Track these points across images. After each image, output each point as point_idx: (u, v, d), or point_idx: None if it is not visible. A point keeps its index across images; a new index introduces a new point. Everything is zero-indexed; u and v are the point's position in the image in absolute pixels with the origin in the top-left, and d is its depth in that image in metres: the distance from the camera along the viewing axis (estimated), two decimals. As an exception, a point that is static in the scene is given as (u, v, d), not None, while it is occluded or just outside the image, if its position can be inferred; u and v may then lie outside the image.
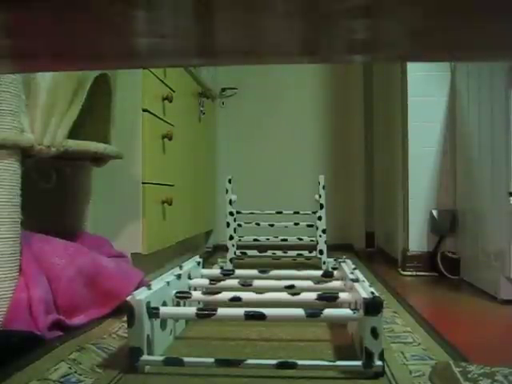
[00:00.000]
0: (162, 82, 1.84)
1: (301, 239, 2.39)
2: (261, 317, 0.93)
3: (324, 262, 2.14)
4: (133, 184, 1.64)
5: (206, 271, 1.40)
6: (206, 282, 1.25)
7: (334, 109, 3.09)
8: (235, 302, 1.03)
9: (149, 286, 0.99)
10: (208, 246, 2.95)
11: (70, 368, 0.91)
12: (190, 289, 1.22)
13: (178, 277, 1.15)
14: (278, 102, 3.08)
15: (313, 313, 0.93)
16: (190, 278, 1.26)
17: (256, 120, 3.09)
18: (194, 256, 1.42)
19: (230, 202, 2.18)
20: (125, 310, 0.90)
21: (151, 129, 1.73)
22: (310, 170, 2.99)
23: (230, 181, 2.20)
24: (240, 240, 2.24)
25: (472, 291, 1.71)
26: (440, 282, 1.95)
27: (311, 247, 2.27)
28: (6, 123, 1.06)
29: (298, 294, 1.05)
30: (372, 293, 0.92)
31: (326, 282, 1.22)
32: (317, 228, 2.21)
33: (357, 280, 1.06)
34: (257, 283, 1.20)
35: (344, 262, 1.30)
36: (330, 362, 0.93)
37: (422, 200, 2.11)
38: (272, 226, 2.24)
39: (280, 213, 2.27)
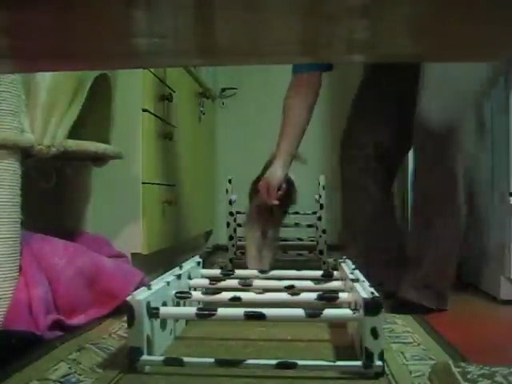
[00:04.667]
0: (162, 82, 1.84)
1: (301, 239, 2.38)
2: (261, 317, 0.93)
3: (324, 262, 2.14)
4: (132, 184, 1.64)
5: (205, 271, 1.40)
6: (206, 282, 1.25)
7: (335, 109, 3.09)
8: (235, 301, 1.03)
9: (149, 286, 0.99)
10: (208, 246, 2.95)
11: (69, 368, 0.91)
12: (190, 289, 1.22)
13: (178, 277, 1.15)
14: (278, 102, 3.07)
15: (313, 313, 0.93)
16: (190, 278, 1.26)
17: (256, 120, 3.09)
18: (194, 256, 1.42)
19: (230, 202, 2.18)
20: (125, 310, 0.90)
21: (151, 129, 1.73)
22: (310, 169, 2.99)
23: (230, 181, 2.20)
24: (240, 240, 2.24)
25: (472, 291, 1.71)
26: (440, 282, 1.95)
27: (311, 247, 2.27)
28: (6, 123, 1.06)
29: (298, 294, 1.05)
30: (372, 293, 0.92)
31: (326, 281, 1.22)
32: (317, 228, 2.21)
33: (357, 280, 1.06)
34: (257, 283, 1.20)
35: (344, 262, 1.30)
36: (330, 362, 0.93)
37: (422, 200, 2.10)
38: (272, 226, 2.23)
39: (280, 213, 2.26)
